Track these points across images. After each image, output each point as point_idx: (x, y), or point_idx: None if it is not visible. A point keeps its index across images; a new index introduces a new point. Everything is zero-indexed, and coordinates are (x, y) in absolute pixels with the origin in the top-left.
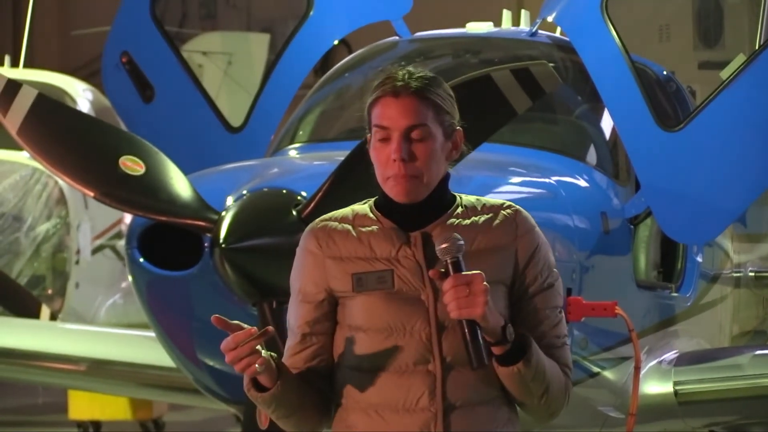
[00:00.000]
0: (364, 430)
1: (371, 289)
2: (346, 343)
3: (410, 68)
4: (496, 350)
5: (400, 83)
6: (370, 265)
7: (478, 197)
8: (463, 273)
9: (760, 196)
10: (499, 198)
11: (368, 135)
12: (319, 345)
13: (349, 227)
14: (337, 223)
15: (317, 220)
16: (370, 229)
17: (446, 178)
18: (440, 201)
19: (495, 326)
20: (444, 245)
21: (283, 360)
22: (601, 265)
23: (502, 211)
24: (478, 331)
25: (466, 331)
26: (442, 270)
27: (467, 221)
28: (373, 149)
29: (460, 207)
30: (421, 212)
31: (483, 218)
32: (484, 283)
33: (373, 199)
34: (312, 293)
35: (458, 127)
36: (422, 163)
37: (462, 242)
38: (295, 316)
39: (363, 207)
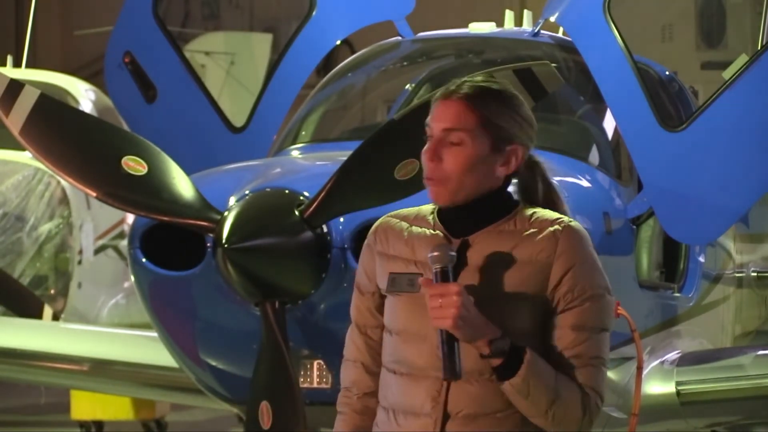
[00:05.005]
0: (382, 430)
1: (401, 290)
2: (384, 341)
3: (478, 76)
4: (493, 362)
5: (452, 87)
6: (407, 266)
7: (542, 210)
8: (441, 283)
9: (763, 196)
10: None
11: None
12: (377, 337)
13: (405, 226)
14: (397, 221)
15: (387, 215)
16: (421, 231)
17: (500, 188)
18: (491, 210)
19: (476, 339)
20: (434, 253)
21: (351, 355)
22: (604, 266)
23: (550, 227)
24: (455, 342)
25: (442, 340)
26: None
27: (510, 229)
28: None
29: (515, 217)
30: (470, 219)
31: (529, 231)
32: (458, 297)
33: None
34: (366, 284)
35: (518, 144)
36: (451, 168)
37: (453, 253)
38: (354, 307)
39: (428, 208)
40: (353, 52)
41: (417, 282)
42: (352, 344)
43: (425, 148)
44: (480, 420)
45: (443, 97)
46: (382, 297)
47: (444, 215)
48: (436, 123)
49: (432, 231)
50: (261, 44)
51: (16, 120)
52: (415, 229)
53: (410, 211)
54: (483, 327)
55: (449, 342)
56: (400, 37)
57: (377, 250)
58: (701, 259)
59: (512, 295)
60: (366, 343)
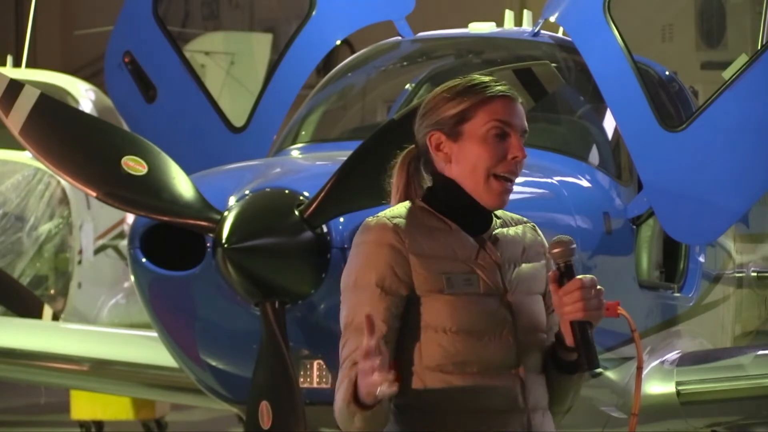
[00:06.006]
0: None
1: (459, 290)
2: (424, 343)
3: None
4: (572, 356)
5: (506, 88)
6: (455, 265)
7: (503, 211)
8: (582, 276)
9: (763, 196)
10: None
11: (435, 131)
12: (395, 341)
13: (422, 225)
14: (407, 219)
15: (382, 215)
16: (440, 228)
17: None
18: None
19: None
20: (558, 249)
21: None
22: (604, 266)
23: (527, 225)
24: (589, 333)
25: (579, 333)
26: (558, 272)
27: (512, 232)
28: (481, 143)
29: (495, 217)
30: (484, 217)
31: (519, 230)
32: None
33: (417, 201)
34: (394, 287)
35: None
36: (522, 168)
37: (574, 246)
38: (374, 310)
39: (418, 207)
40: (353, 52)
41: (474, 281)
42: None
43: (512, 145)
44: (547, 413)
45: (512, 98)
46: (410, 300)
47: (451, 213)
48: (518, 120)
49: (450, 228)
50: (261, 44)
51: (16, 120)
52: (436, 228)
53: (405, 210)
54: None
55: (588, 332)
56: (400, 37)
57: (410, 251)
58: (701, 259)
59: (538, 291)
60: (387, 346)
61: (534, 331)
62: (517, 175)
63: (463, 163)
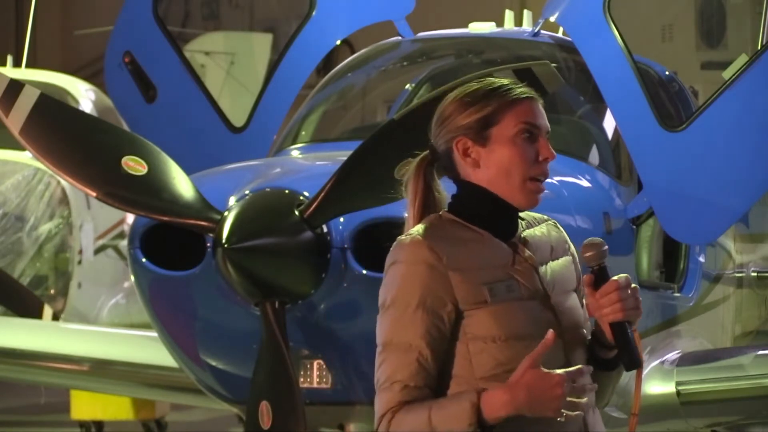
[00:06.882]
0: None
1: (502, 298)
2: (474, 355)
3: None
4: (611, 353)
5: (533, 92)
6: (494, 274)
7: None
8: (617, 277)
9: (763, 196)
10: None
11: (461, 137)
12: (441, 361)
13: (454, 238)
14: (439, 235)
15: (415, 233)
16: (472, 238)
17: None
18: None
19: None
20: (591, 253)
21: (406, 380)
22: None
23: (549, 223)
24: (629, 332)
25: (619, 333)
26: (592, 276)
27: (538, 232)
28: (512, 146)
29: (520, 218)
30: (513, 219)
31: (544, 229)
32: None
33: (441, 212)
34: (435, 306)
35: None
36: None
37: (606, 248)
38: (413, 331)
39: (444, 217)
40: (353, 52)
41: (515, 287)
42: (420, 368)
43: (541, 146)
44: (596, 410)
45: (536, 99)
46: (455, 317)
47: (480, 220)
48: (543, 121)
49: (480, 236)
50: (261, 44)
51: (16, 120)
52: (466, 238)
53: (432, 224)
54: None
55: (630, 332)
56: (400, 37)
57: (449, 267)
58: (701, 259)
59: (572, 288)
60: (436, 367)
61: (577, 328)
62: (547, 176)
63: (494, 167)
